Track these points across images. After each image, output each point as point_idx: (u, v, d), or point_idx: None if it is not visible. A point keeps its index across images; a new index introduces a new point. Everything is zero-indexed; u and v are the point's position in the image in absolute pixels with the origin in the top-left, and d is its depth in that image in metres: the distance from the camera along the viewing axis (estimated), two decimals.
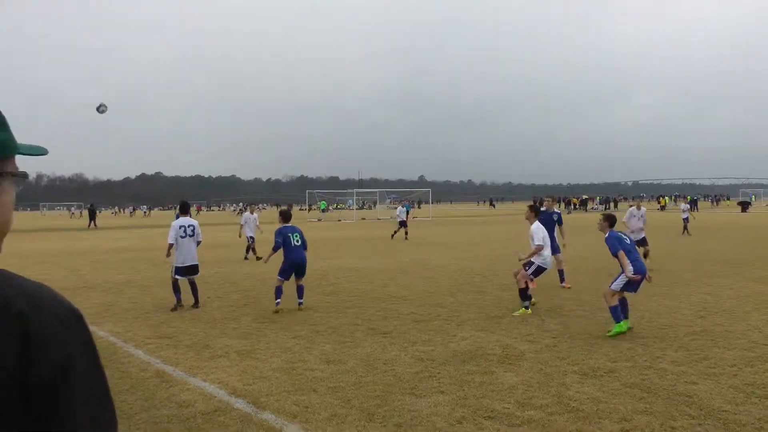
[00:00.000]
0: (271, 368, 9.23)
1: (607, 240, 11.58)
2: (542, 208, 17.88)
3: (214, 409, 7.43)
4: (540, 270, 13.59)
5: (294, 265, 14.14)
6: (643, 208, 20.94)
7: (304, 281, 14.63)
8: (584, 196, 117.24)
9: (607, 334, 10.95)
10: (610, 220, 11.85)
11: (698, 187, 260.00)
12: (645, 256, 19.48)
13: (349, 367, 9.23)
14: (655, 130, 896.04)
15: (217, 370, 9.15)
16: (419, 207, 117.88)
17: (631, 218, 20.90)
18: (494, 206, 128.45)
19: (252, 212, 27.49)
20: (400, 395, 7.86)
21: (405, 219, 37.93)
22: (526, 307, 13.14)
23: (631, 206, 21.56)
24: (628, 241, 11.57)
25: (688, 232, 36.42)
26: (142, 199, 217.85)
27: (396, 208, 41.47)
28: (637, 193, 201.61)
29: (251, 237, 26.35)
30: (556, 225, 17.48)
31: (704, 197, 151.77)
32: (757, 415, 7.20)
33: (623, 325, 11.01)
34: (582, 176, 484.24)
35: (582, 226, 45.24)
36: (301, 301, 14.20)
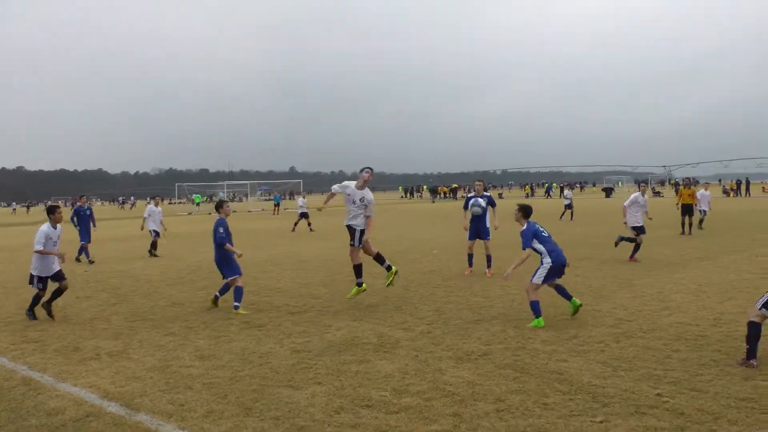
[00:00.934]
0: (144, 368, 8.99)
1: (522, 233, 11.33)
2: (471, 193, 17.87)
3: (85, 415, 7.17)
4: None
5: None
6: (646, 196, 20.41)
7: (231, 281, 13.37)
8: (454, 185, 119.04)
9: (529, 325, 10.99)
10: (525, 211, 11.62)
11: (565, 174, 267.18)
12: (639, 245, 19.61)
13: (225, 362, 9.10)
14: (525, 120, 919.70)
15: (88, 374, 8.83)
16: (292, 198, 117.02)
17: (633, 205, 20.18)
18: None
19: (156, 205, 26.09)
20: (277, 388, 7.80)
21: (306, 210, 37.44)
22: (359, 285, 13.19)
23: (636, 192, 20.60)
24: (546, 234, 11.50)
25: (571, 218, 37.90)
26: (3, 194, 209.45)
27: (298, 199, 40.66)
28: (505, 181, 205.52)
29: (155, 231, 25.25)
30: (489, 208, 17.37)
31: (567, 184, 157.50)
32: (623, 386, 7.54)
33: (541, 321, 10.90)
34: (452, 165, 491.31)
35: (450, 213, 46.08)
36: (237, 304, 12.93)
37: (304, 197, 40.93)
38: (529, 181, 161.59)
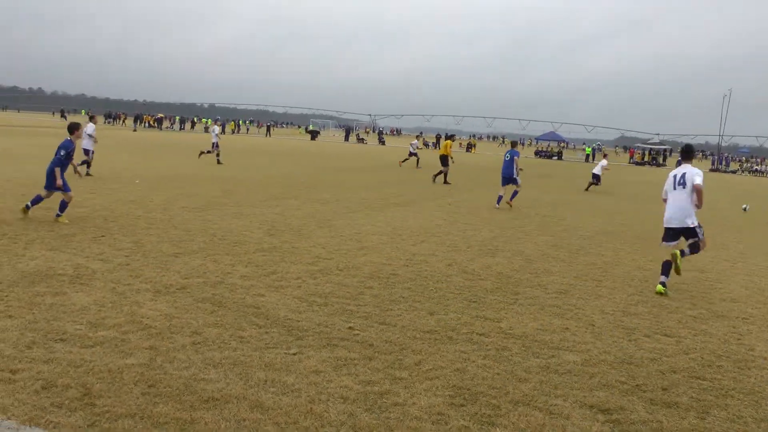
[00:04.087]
0: None
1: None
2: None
3: None
4: None
5: None
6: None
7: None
8: (160, 115, 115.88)
9: None
10: None
11: (271, 113, 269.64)
12: None
13: None
14: (235, 58, 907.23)
15: None
16: None
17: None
18: (65, 118, 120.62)
19: None
20: None
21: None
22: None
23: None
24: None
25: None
26: None
27: None
28: (213, 115, 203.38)
29: None
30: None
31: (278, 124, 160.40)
32: (317, 320, 7.89)
33: None
34: (159, 95, 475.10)
35: (160, 144, 44.98)
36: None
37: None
38: (236, 117, 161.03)
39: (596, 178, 32.98)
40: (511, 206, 21.79)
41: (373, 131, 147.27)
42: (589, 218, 20.52)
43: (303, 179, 26.86)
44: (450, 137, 33.42)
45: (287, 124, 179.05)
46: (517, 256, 13.09)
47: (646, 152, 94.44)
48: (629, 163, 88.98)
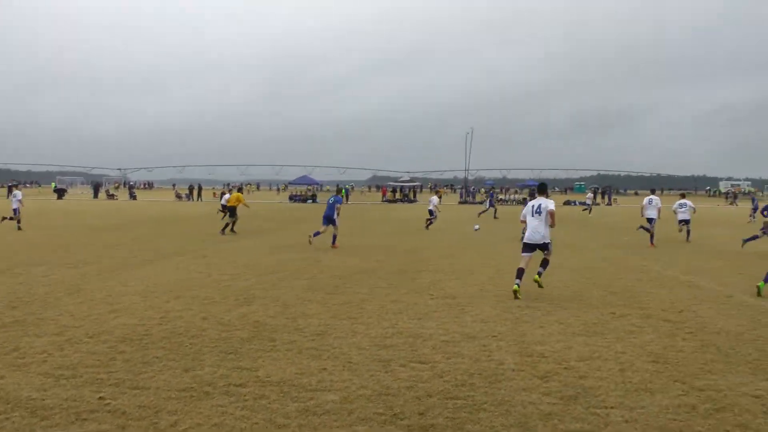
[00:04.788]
0: None
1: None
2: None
3: None
4: None
5: None
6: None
7: None
8: None
9: None
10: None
11: (14, 173, 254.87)
12: None
13: None
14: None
15: None
16: None
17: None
18: None
19: None
20: None
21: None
22: None
23: None
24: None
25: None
26: None
27: None
28: None
29: None
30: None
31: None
32: (64, 395, 7.45)
33: None
34: None
35: None
36: None
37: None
38: None
39: (432, 215, 36.44)
40: (335, 247, 24.06)
41: (124, 186, 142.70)
42: (345, 258, 20.92)
43: (50, 242, 25.49)
44: (239, 190, 34.77)
45: (32, 183, 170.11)
46: (273, 302, 13.09)
47: (398, 190, 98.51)
48: (382, 201, 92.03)
